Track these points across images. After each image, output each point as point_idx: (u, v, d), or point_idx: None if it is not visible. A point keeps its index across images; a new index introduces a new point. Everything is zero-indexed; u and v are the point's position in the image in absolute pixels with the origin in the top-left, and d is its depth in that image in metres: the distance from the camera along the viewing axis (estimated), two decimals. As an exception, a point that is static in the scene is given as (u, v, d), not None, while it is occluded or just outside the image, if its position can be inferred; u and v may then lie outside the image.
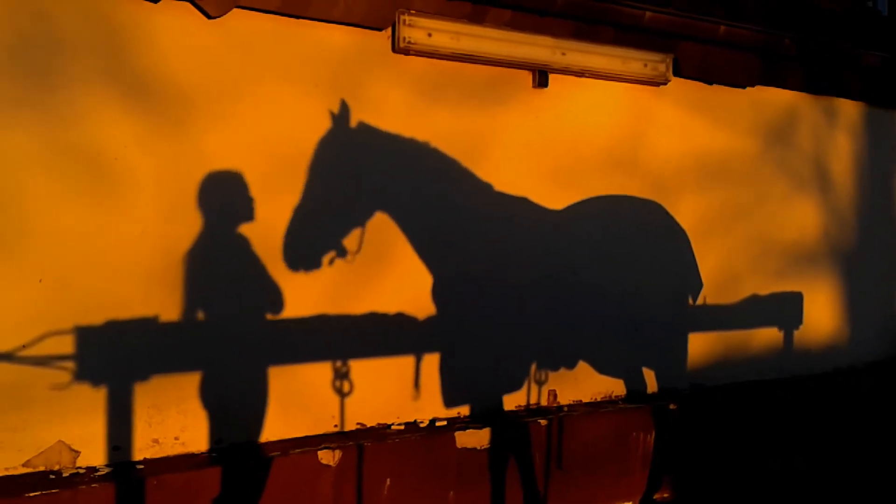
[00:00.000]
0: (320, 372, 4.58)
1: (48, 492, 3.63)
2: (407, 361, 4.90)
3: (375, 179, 4.73)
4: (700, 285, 6.11)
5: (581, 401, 5.61)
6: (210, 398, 4.28)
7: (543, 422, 5.08)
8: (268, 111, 4.38)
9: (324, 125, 4.55)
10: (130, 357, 4.04)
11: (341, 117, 4.58)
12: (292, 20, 4.39)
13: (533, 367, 5.39)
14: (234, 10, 4.18)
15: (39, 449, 3.88)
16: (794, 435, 6.13)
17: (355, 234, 4.64)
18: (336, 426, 4.67)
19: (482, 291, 5.14)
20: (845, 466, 6.16)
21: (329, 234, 4.58)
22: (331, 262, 4.56)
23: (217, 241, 4.27)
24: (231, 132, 4.27)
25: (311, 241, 4.52)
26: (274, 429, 4.47)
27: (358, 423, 4.77)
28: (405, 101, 4.82)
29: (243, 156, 4.30)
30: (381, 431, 4.76)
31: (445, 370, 5.02)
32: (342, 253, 4.59)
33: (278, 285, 4.42)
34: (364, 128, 4.67)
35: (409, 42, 4.66)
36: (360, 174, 4.69)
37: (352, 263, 4.61)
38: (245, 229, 4.32)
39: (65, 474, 3.86)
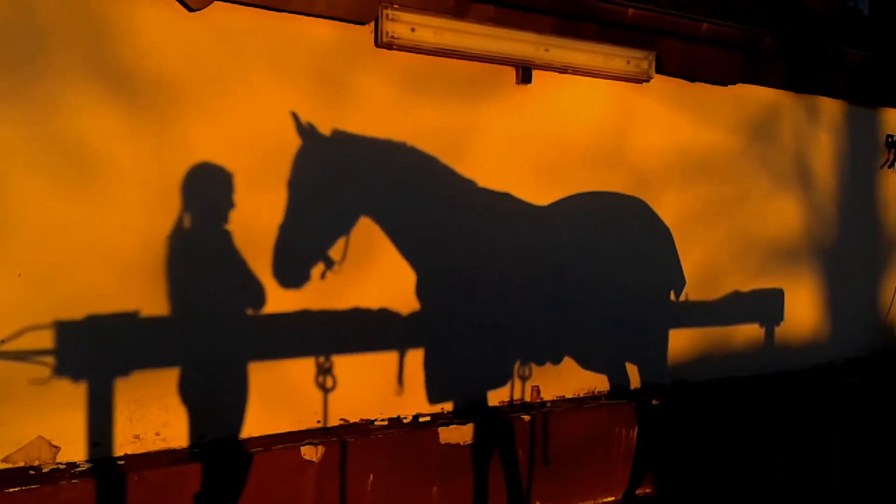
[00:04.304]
0: (303, 367, 4.56)
1: (28, 487, 3.60)
2: (390, 357, 4.89)
3: (356, 176, 4.72)
4: (683, 282, 6.14)
5: (564, 396, 5.62)
6: (192, 394, 4.26)
7: (527, 417, 5.09)
8: (250, 104, 4.36)
9: (306, 118, 4.53)
10: (111, 352, 4.01)
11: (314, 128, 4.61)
12: (274, 13, 4.38)
13: (517, 362, 5.40)
14: (216, 2, 4.18)
15: (19, 444, 3.85)
16: (776, 430, 6.16)
17: (340, 243, 4.65)
18: (319, 422, 4.66)
19: (466, 287, 5.14)
20: (826, 460, 6.20)
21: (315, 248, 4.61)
22: (322, 275, 4.59)
23: (199, 235, 4.25)
24: (213, 125, 4.26)
25: (299, 260, 4.54)
26: (256, 424, 4.46)
27: (341, 419, 4.76)
28: (388, 96, 4.81)
29: (225, 149, 4.28)
30: (365, 427, 4.75)
31: (429, 366, 5.01)
32: (328, 264, 4.61)
33: (261, 280, 4.41)
34: (347, 120, 4.67)
35: (392, 37, 4.66)
36: (340, 172, 4.67)
37: (338, 273, 4.64)
38: (227, 223, 4.31)
39: (45, 470, 3.83)
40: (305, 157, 4.54)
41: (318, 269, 4.58)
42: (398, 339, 4.92)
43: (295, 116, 4.48)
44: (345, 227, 4.68)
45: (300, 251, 4.53)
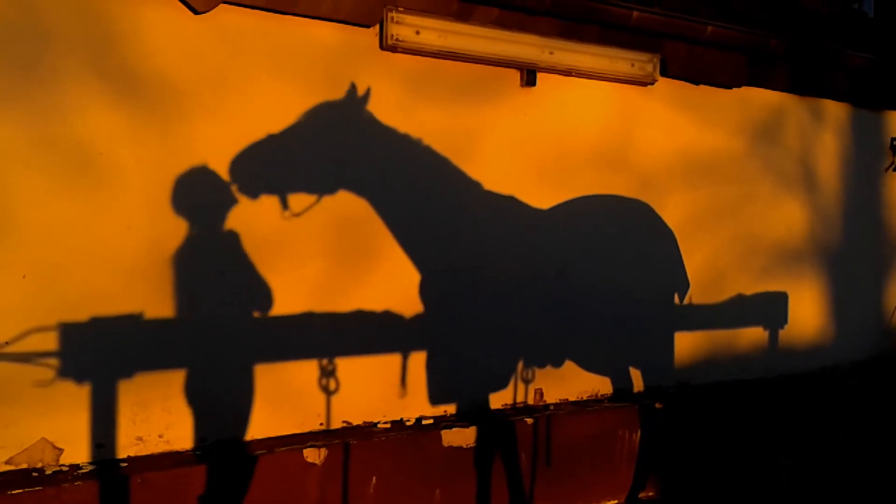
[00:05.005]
0: (307, 370, 4.56)
1: (31, 489, 3.60)
2: (393, 359, 4.89)
3: (357, 168, 4.72)
4: (687, 284, 6.13)
5: (567, 399, 5.61)
6: (195, 395, 4.26)
7: (530, 420, 5.08)
8: (255, 107, 4.36)
9: (312, 120, 4.54)
10: (115, 354, 4.02)
11: (332, 105, 4.60)
12: (280, 16, 4.38)
13: (519, 365, 5.39)
14: (221, 5, 4.17)
15: (22, 446, 3.85)
16: (780, 433, 6.16)
17: (307, 198, 4.55)
18: (322, 424, 4.66)
19: (469, 290, 5.14)
20: (830, 464, 6.19)
21: (280, 180, 4.49)
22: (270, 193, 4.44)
23: (203, 237, 4.25)
24: (218, 127, 4.25)
25: (260, 174, 4.41)
26: (259, 427, 4.46)
27: (344, 422, 4.76)
28: (393, 98, 4.81)
29: (230, 151, 4.28)
30: (368, 430, 4.75)
31: (432, 368, 5.01)
32: (284, 204, 4.48)
33: (265, 282, 4.41)
34: (353, 118, 4.68)
35: (396, 39, 4.66)
36: (343, 162, 4.67)
37: (288, 220, 4.49)
38: (232, 224, 4.31)
39: (48, 472, 3.83)
40: (319, 116, 4.55)
41: (270, 201, 4.45)
42: (401, 341, 4.92)
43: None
44: (318, 188, 4.58)
45: (267, 170, 4.42)
